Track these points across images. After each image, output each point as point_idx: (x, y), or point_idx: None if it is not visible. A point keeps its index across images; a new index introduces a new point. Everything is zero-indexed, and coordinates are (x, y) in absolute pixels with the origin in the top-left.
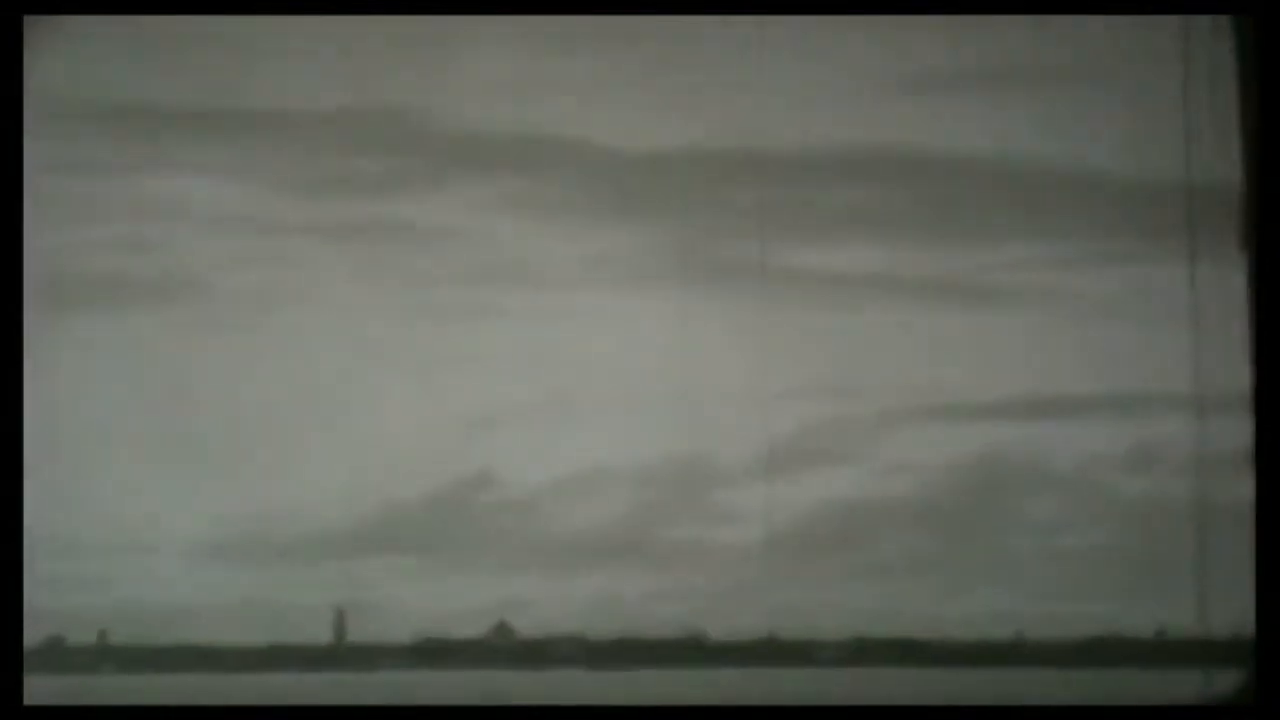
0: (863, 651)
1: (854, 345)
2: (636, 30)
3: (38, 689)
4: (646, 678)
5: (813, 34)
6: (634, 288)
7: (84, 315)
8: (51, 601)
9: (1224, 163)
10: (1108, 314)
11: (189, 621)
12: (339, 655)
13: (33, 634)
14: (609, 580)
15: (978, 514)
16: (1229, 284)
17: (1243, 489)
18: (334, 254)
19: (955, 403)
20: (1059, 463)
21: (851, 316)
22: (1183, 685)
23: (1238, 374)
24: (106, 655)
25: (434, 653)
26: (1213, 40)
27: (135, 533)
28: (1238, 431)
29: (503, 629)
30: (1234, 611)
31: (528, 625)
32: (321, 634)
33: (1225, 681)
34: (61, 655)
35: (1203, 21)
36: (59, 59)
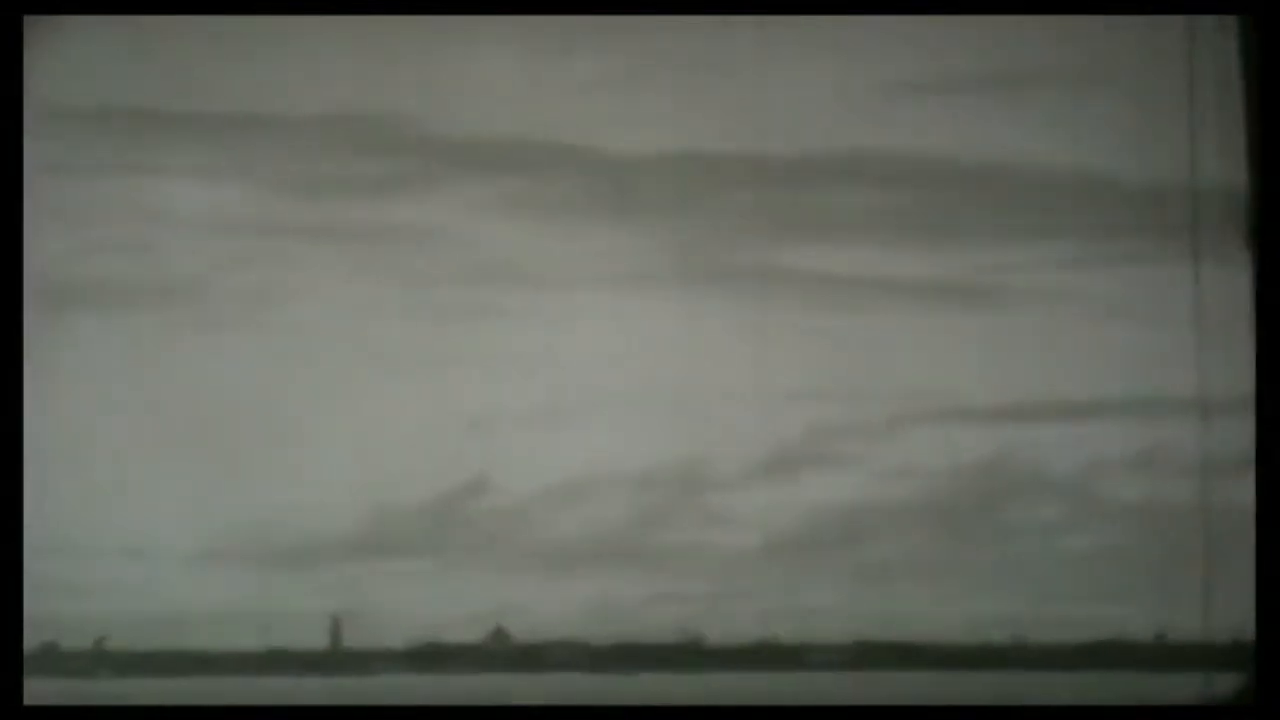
0: (863, 655)
1: (856, 348)
2: (637, 30)
3: (35, 693)
4: (644, 682)
5: (819, 35)
6: (634, 290)
7: (82, 317)
8: (48, 606)
9: (1229, 164)
10: (1112, 316)
11: (186, 626)
12: (335, 660)
13: (29, 639)
14: (607, 584)
15: (982, 517)
16: (1234, 285)
17: (1246, 492)
18: (333, 255)
19: (959, 406)
20: (1063, 465)
21: (853, 319)
22: (1186, 688)
23: (1242, 376)
24: (103, 660)
25: (431, 657)
26: (1218, 41)
27: (132, 537)
28: (1242, 434)
29: (500, 634)
30: (1237, 614)
31: (525, 630)
32: (318, 639)
33: (1227, 684)
34: (58, 660)
35: (1208, 22)
36: (59, 59)
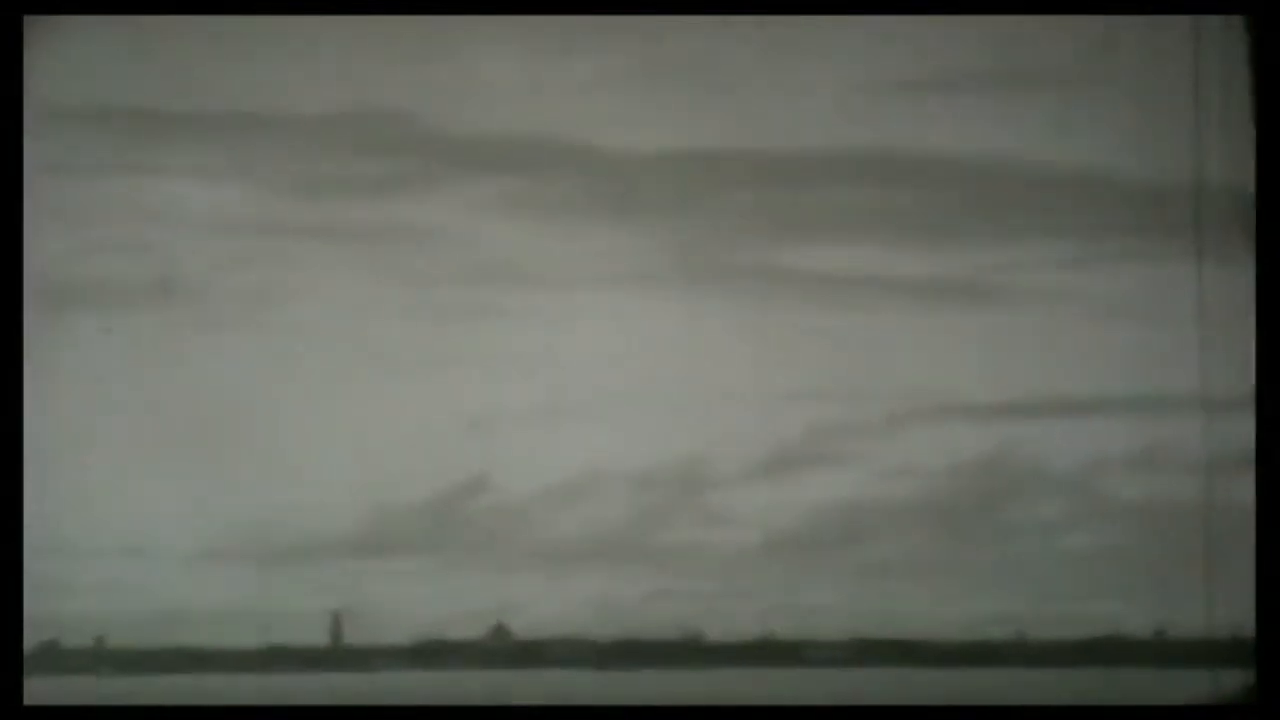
0: (863, 653)
1: (857, 347)
2: (638, 31)
3: (36, 691)
4: (644, 679)
5: (822, 34)
6: (634, 289)
7: (82, 317)
8: (49, 605)
9: (1233, 162)
10: (1114, 314)
11: (187, 624)
12: (336, 657)
13: (31, 637)
14: (607, 582)
15: (983, 515)
16: (1236, 284)
17: (1248, 489)
18: (333, 255)
19: (960, 404)
20: (1064, 463)
21: (854, 318)
22: (1188, 686)
23: (1244, 374)
24: (104, 658)
25: (432, 655)
26: (1223, 40)
27: (133, 536)
28: (1243, 432)
29: (500, 631)
30: (1239, 611)
31: (525, 627)
32: (319, 636)
33: (1231, 681)
34: (59, 658)
35: (1213, 21)
36: (59, 59)
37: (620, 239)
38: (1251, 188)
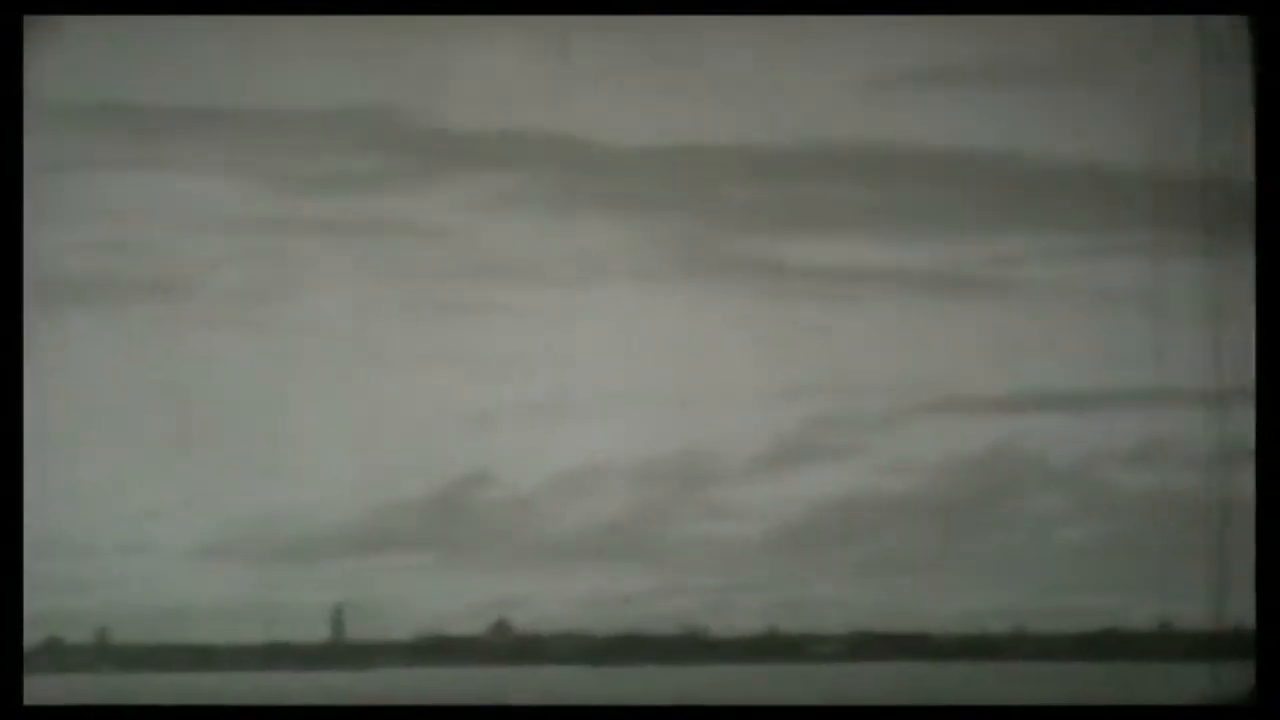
0: (865, 646)
1: (858, 340)
2: (637, 25)
3: (37, 689)
4: (646, 674)
5: (823, 27)
6: (635, 284)
7: (81, 314)
8: (50, 602)
9: (1238, 156)
10: (1118, 307)
11: (188, 620)
12: (338, 653)
13: (31, 634)
14: (608, 577)
15: (986, 509)
16: (1241, 277)
17: (1252, 482)
18: (332, 251)
19: (963, 397)
20: (1067, 456)
21: (855, 311)
22: (1193, 680)
23: (1247, 367)
24: (106, 655)
25: (433, 650)
26: (1228, 36)
27: (133, 533)
28: (1248, 424)
29: (502, 626)
30: (1244, 606)
31: (527, 622)
32: (320, 632)
33: (1233, 676)
34: (60, 655)
35: (1219, 19)
36: (59, 59)
37: (620, 234)
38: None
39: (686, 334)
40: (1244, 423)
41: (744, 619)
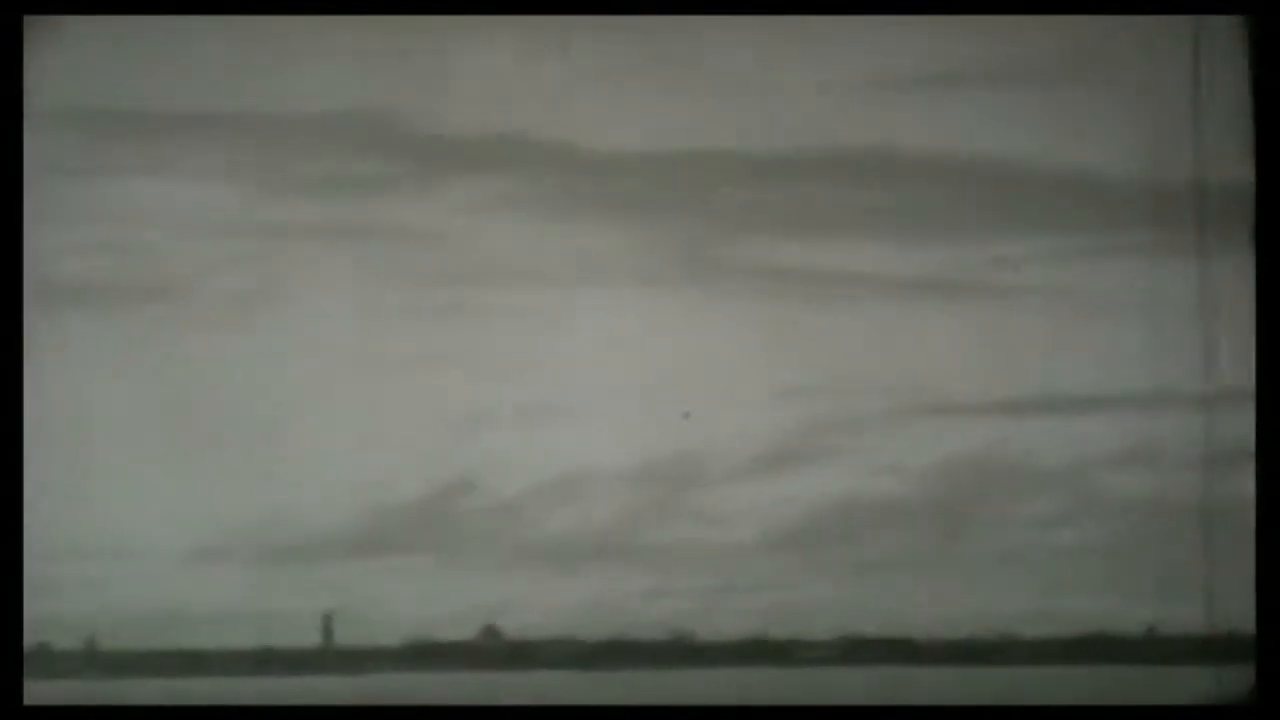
0: (858, 650)
1: (852, 343)
2: (634, 26)
3: (28, 694)
4: (638, 679)
5: (821, 29)
6: (629, 287)
7: (77, 317)
8: (40, 606)
9: (1235, 157)
10: (1113, 310)
11: (178, 625)
12: (328, 658)
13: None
14: (600, 581)
15: (980, 511)
16: (1238, 280)
17: (1247, 485)
18: (329, 254)
19: (959, 400)
20: (1062, 459)
21: (850, 314)
22: (1186, 683)
23: (1244, 370)
24: (95, 660)
25: (423, 655)
26: (1226, 36)
27: (122, 536)
28: (1243, 427)
29: (492, 631)
30: (1238, 608)
31: (517, 627)
32: (310, 637)
33: (1229, 679)
34: (49, 660)
35: (1218, 20)
36: (59, 59)
37: (615, 237)
38: (1252, 183)
39: (679, 336)
40: (1241, 425)
41: (736, 623)
